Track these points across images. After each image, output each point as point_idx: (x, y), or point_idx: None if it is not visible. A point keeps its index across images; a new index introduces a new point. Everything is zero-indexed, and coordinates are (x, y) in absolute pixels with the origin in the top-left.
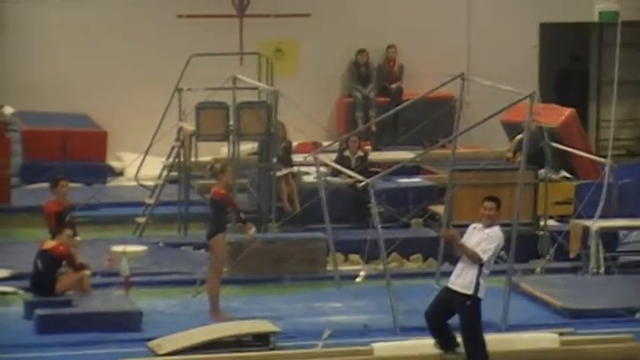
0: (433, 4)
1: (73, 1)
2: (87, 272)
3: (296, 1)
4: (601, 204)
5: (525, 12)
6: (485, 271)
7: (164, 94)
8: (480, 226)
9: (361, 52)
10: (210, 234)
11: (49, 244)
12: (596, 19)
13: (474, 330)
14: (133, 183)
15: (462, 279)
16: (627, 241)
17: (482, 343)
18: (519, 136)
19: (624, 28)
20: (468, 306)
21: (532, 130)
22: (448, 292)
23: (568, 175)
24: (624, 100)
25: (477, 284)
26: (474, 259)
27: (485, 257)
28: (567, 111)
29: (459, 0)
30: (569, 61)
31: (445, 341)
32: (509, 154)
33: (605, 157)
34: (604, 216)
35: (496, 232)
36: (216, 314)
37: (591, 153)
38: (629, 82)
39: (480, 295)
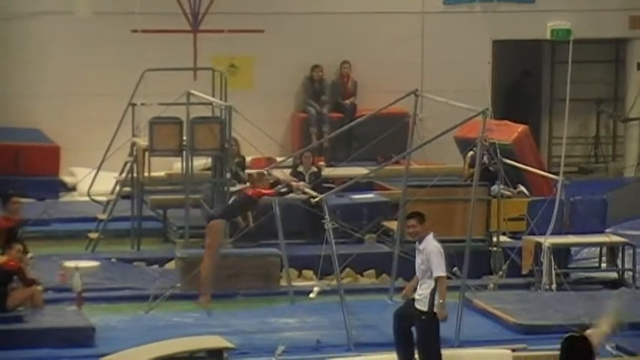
0: (388, 21)
1: (25, 15)
2: (39, 288)
3: (250, 16)
4: (553, 221)
5: (478, 29)
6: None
7: (118, 109)
8: (419, 245)
9: (316, 67)
10: (211, 218)
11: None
12: (548, 36)
13: (430, 346)
14: (86, 198)
15: (417, 294)
16: (579, 257)
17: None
18: (471, 153)
19: (576, 45)
20: (423, 321)
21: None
22: (410, 303)
23: (525, 190)
24: (576, 117)
25: (432, 300)
26: (443, 284)
27: (443, 273)
28: (520, 127)
29: (413, 17)
30: (521, 78)
31: (403, 354)
32: (467, 171)
33: (557, 173)
34: (556, 232)
35: (430, 246)
36: (204, 298)
37: (544, 170)
38: (581, 99)
39: (437, 310)
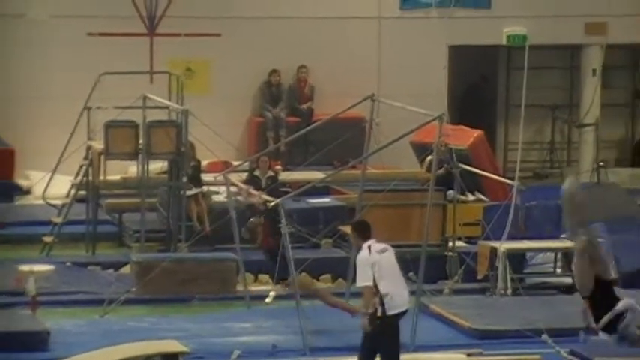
0: (345, 26)
1: None
2: None
3: (207, 20)
4: (508, 226)
5: (435, 34)
6: (383, 291)
7: (74, 112)
8: None
9: (273, 72)
10: None
11: None
12: (504, 42)
13: (388, 351)
14: (41, 202)
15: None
16: (534, 262)
17: None
18: (430, 158)
19: (532, 51)
20: (377, 325)
21: (442, 152)
22: None
23: (482, 196)
24: (532, 122)
25: (381, 304)
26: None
27: (364, 282)
28: (476, 133)
29: (370, 22)
30: (479, 83)
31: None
32: (424, 175)
33: (512, 179)
34: (511, 237)
35: (359, 257)
36: None
37: (499, 175)
38: (537, 105)
39: (386, 313)
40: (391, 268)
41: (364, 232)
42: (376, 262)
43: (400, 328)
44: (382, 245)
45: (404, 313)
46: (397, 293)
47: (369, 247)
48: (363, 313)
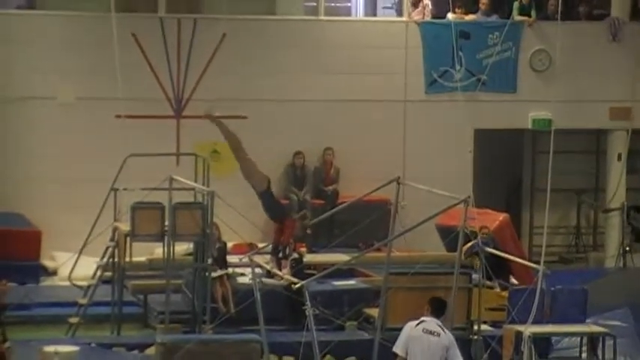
0: (370, 108)
1: (10, 100)
2: None
3: (233, 103)
4: (534, 310)
5: (460, 118)
6: None
7: (100, 193)
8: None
9: (297, 154)
10: None
11: None
12: (529, 126)
13: None
14: (67, 283)
15: None
16: (559, 347)
17: None
18: (470, 243)
19: (557, 135)
20: None
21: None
22: None
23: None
24: (557, 207)
25: None
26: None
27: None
28: (501, 216)
29: (396, 105)
30: (503, 168)
31: None
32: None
33: (538, 263)
34: (537, 322)
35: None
36: None
37: (524, 258)
38: (562, 189)
39: None
40: (427, 352)
41: (435, 307)
42: (414, 339)
43: None
44: (436, 328)
45: None
46: None
47: (421, 322)
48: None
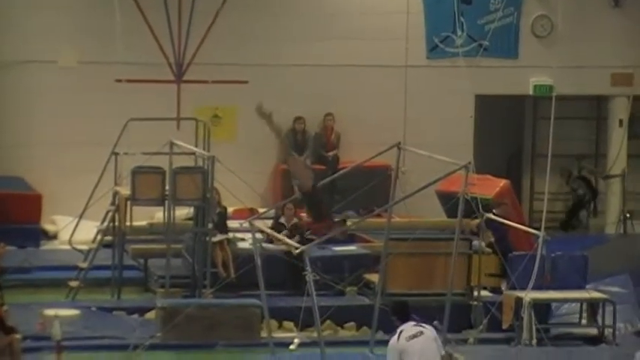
0: (371, 74)
1: (10, 64)
2: (17, 336)
3: (234, 68)
4: (534, 276)
5: (461, 83)
6: None
7: (100, 157)
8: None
9: (298, 119)
10: None
11: None
12: (531, 92)
13: None
14: (67, 247)
15: None
16: (559, 313)
17: None
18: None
19: (558, 101)
20: None
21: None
22: None
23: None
24: (558, 173)
25: None
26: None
27: None
28: (502, 182)
29: (397, 70)
30: (503, 133)
31: None
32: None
33: (538, 229)
34: (537, 288)
35: (389, 343)
36: None
37: (525, 224)
38: (563, 155)
39: None
40: (424, 355)
41: (400, 314)
42: (404, 350)
43: None
44: (417, 329)
45: None
46: None
47: (400, 333)
48: None
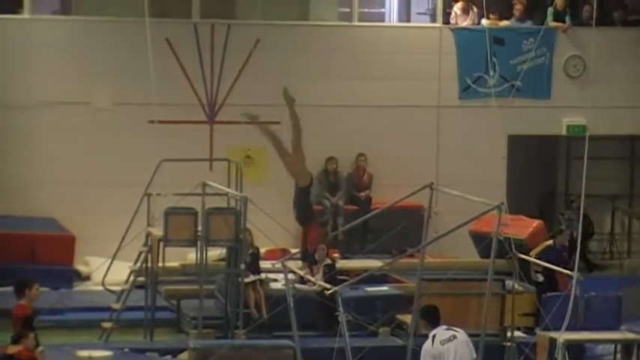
0: (404, 114)
1: (45, 104)
2: None
3: (266, 108)
4: (568, 316)
5: (494, 123)
6: None
7: (133, 198)
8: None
9: (330, 159)
10: None
11: (13, 348)
12: (564, 132)
13: None
14: (100, 288)
15: None
16: (593, 354)
17: None
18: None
19: (591, 141)
20: None
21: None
22: None
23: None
24: (591, 213)
25: None
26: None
27: None
28: (535, 222)
29: (430, 110)
30: (536, 174)
31: None
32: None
33: (572, 270)
34: (571, 328)
35: (422, 348)
36: None
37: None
38: (596, 195)
39: None
40: (457, 359)
41: (431, 318)
42: (440, 355)
43: None
44: (449, 333)
45: None
46: None
47: (433, 338)
48: None
